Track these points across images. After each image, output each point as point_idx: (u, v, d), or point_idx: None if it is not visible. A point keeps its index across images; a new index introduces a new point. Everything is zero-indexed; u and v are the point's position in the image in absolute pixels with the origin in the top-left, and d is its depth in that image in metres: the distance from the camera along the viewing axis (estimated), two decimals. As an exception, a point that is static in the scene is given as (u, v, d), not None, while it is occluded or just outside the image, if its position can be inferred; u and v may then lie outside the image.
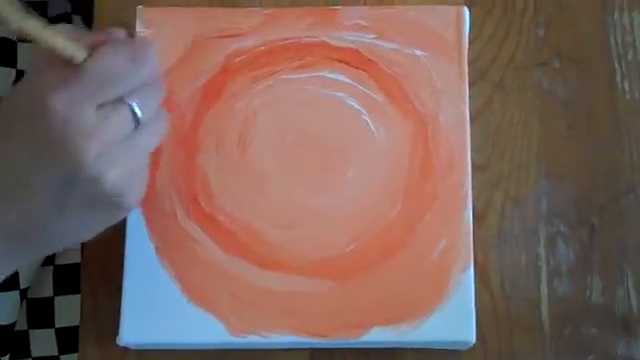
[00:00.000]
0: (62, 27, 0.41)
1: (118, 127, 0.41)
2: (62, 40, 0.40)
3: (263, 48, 0.57)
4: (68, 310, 0.60)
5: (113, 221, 0.45)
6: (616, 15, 0.60)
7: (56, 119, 0.39)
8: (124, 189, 0.43)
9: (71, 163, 0.40)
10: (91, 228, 0.45)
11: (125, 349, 0.53)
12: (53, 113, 0.39)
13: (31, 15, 0.40)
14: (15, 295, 0.59)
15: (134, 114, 0.42)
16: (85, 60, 0.40)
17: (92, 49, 0.41)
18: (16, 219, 0.42)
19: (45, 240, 0.45)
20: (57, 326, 0.60)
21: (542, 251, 0.57)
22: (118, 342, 0.52)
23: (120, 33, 0.43)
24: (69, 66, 0.41)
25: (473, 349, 0.53)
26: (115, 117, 0.41)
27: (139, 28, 0.56)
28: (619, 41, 0.60)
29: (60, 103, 0.39)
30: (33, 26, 0.39)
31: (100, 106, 0.41)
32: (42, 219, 0.43)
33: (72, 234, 0.45)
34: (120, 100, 0.41)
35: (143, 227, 0.54)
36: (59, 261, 0.61)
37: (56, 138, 0.40)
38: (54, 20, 0.69)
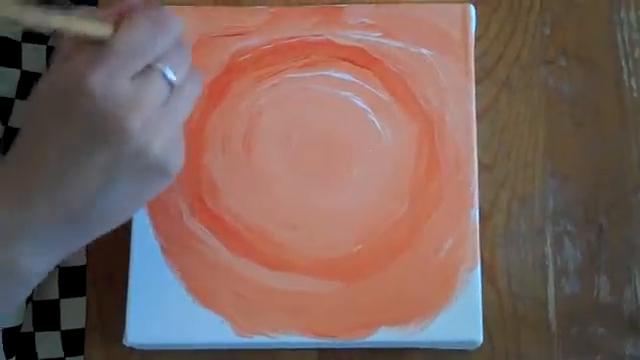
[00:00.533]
0: (80, 10, 0.42)
1: (155, 94, 0.42)
2: (87, 24, 0.41)
3: (268, 47, 0.56)
4: (74, 312, 0.60)
5: (159, 189, 0.46)
6: (622, 13, 0.60)
7: (96, 97, 0.40)
8: (169, 155, 0.44)
9: (118, 138, 0.41)
10: (139, 201, 0.46)
11: (131, 350, 0.53)
12: (92, 92, 0.40)
13: (46, 9, 0.40)
14: (19, 304, 0.59)
15: (167, 79, 0.43)
16: (111, 36, 0.41)
17: (116, 23, 0.42)
18: (67, 199, 0.43)
19: (96, 219, 0.45)
20: (63, 328, 0.60)
21: (549, 250, 0.56)
22: (124, 343, 0.52)
23: (139, 2, 0.44)
24: (96, 46, 0.41)
25: (480, 349, 0.53)
26: (150, 84, 0.42)
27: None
28: (626, 39, 0.59)
29: (97, 81, 0.40)
30: (57, 20, 0.40)
31: (134, 77, 0.42)
32: (92, 197, 0.43)
33: (122, 209, 0.46)
34: (151, 68, 0.42)
35: (149, 227, 0.53)
36: (64, 263, 0.61)
37: (100, 116, 0.41)
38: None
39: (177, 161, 0.45)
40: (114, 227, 0.46)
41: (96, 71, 0.41)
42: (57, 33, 0.42)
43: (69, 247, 0.46)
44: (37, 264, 0.45)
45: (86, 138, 0.42)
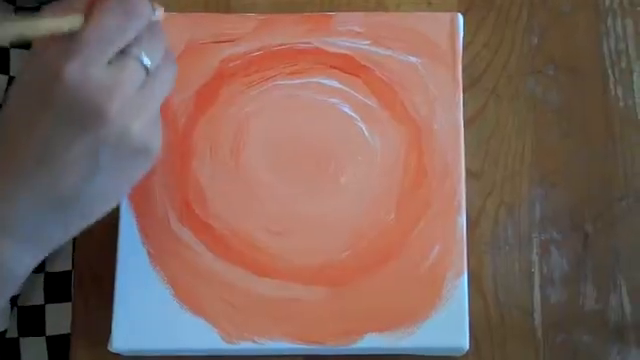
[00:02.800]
0: (48, 7, 0.43)
1: (131, 78, 0.43)
2: (55, 21, 0.42)
3: (257, 54, 0.57)
4: (59, 318, 0.60)
5: (141, 172, 0.46)
6: (609, 23, 0.60)
7: (73, 86, 0.41)
8: (149, 137, 0.44)
9: (97, 123, 0.42)
10: (125, 183, 0.46)
11: (116, 356, 0.53)
12: (68, 81, 0.41)
13: (9, 15, 0.41)
14: (5, 303, 0.58)
15: (142, 63, 0.44)
16: (82, 25, 0.42)
17: (87, 13, 0.43)
18: (50, 188, 0.44)
19: (81, 208, 0.45)
20: (48, 334, 0.60)
21: (535, 258, 0.57)
22: (109, 348, 0.52)
23: None
24: (71, 35, 0.42)
25: (466, 355, 0.53)
26: (126, 69, 0.43)
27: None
28: (612, 49, 0.60)
29: (73, 70, 0.41)
30: (23, 26, 0.41)
31: (109, 63, 0.42)
32: (76, 185, 0.44)
33: (106, 196, 0.46)
34: (125, 53, 0.43)
35: (136, 232, 0.53)
36: (50, 269, 0.61)
37: (78, 103, 0.42)
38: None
39: (157, 143, 0.46)
40: (99, 216, 0.46)
41: (70, 60, 0.41)
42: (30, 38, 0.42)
43: (54, 239, 0.46)
44: (22, 258, 0.45)
45: (66, 127, 0.42)
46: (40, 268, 0.61)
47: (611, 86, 0.59)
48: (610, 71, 0.60)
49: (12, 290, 0.49)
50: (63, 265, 0.60)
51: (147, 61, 0.44)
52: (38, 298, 0.60)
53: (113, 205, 0.47)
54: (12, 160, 0.44)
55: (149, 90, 0.44)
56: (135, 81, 0.43)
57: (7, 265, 0.45)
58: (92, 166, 0.43)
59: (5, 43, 0.41)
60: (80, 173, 0.43)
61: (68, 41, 0.42)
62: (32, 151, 0.43)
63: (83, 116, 0.42)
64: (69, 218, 0.46)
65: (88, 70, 0.41)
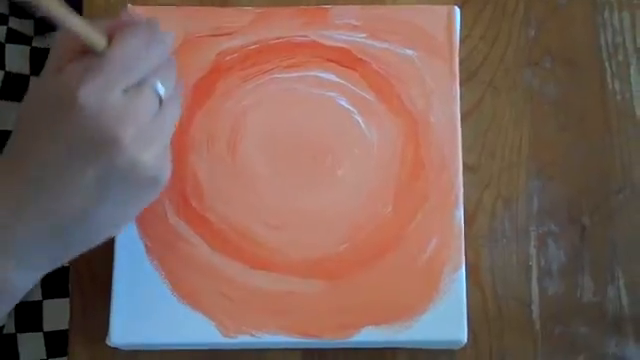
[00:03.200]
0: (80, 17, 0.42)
1: (146, 107, 0.42)
2: (86, 27, 0.41)
3: (254, 47, 0.56)
4: (57, 314, 0.60)
5: (151, 199, 0.46)
6: (606, 15, 0.60)
7: (89, 111, 0.40)
8: (159, 167, 0.44)
9: (110, 150, 0.41)
10: (132, 211, 0.46)
11: (115, 350, 0.53)
12: (85, 106, 0.40)
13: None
14: (3, 314, 0.58)
15: (157, 92, 0.43)
16: (105, 48, 0.42)
17: (109, 36, 0.42)
18: (57, 214, 0.43)
19: (85, 233, 0.45)
20: (45, 330, 0.60)
21: (533, 251, 0.57)
22: (108, 343, 0.52)
23: (133, 17, 0.44)
24: (88, 56, 0.42)
25: (464, 348, 0.53)
26: (141, 98, 0.42)
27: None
28: (609, 41, 0.60)
29: (90, 95, 0.40)
30: (60, 10, 0.40)
31: (125, 90, 0.42)
32: (84, 211, 0.43)
33: (112, 223, 0.46)
34: (142, 81, 0.43)
35: (133, 226, 0.53)
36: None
37: (92, 129, 0.41)
38: (43, 20, 0.68)
39: (166, 173, 0.45)
40: (102, 242, 0.46)
41: (89, 83, 0.40)
42: (58, 28, 0.41)
43: (55, 262, 0.46)
44: (21, 279, 0.45)
45: (78, 151, 0.42)
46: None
47: (608, 79, 0.59)
48: (607, 64, 0.60)
49: (11, 306, 0.48)
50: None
51: (162, 90, 0.43)
52: (36, 294, 0.60)
53: (117, 232, 0.46)
54: (21, 182, 0.43)
55: (161, 120, 0.44)
56: (150, 110, 0.43)
57: (7, 284, 0.44)
58: (101, 194, 0.43)
59: (38, 4, 0.40)
60: (88, 200, 0.43)
61: (88, 62, 0.41)
62: (42, 174, 0.42)
63: (97, 142, 0.41)
64: (71, 243, 0.45)
65: (106, 95, 0.41)
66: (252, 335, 0.52)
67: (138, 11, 0.56)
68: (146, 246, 0.53)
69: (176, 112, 0.45)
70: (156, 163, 0.43)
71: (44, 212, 0.43)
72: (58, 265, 0.46)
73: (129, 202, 0.45)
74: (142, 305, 0.52)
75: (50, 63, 0.44)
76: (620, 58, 0.60)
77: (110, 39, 0.42)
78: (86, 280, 0.56)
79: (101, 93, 0.41)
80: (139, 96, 0.42)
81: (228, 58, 0.56)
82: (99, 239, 0.46)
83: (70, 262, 0.57)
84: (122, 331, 0.52)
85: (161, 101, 0.44)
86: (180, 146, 0.55)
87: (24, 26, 0.67)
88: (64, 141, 0.42)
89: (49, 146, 0.42)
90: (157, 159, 0.44)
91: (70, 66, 0.42)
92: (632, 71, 0.59)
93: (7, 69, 0.63)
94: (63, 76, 0.42)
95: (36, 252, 0.44)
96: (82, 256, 0.55)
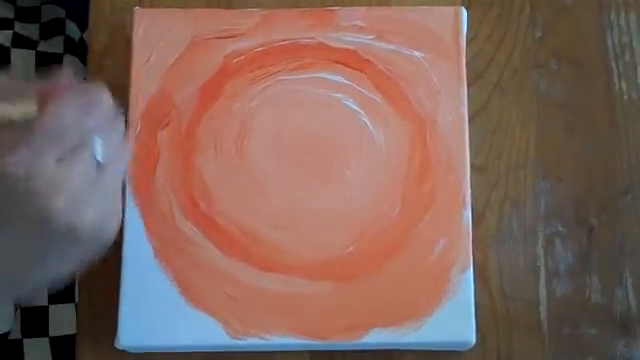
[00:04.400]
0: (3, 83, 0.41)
1: (80, 174, 0.41)
2: (10, 107, 0.40)
3: (261, 49, 0.57)
4: (62, 319, 0.60)
5: (95, 254, 0.45)
6: (613, 16, 0.60)
7: (17, 179, 0.39)
8: (100, 227, 0.42)
9: (42, 217, 0.40)
10: (73, 264, 0.45)
11: (123, 353, 0.53)
12: (14, 174, 0.39)
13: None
14: (9, 304, 0.58)
15: (96, 158, 0.42)
16: (36, 114, 0.40)
17: (41, 100, 0.41)
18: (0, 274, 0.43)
19: (34, 282, 0.45)
20: (51, 335, 0.60)
21: (541, 251, 0.57)
22: (116, 346, 0.52)
23: (67, 79, 0.42)
24: (20, 125, 0.40)
25: (472, 350, 0.53)
26: (75, 165, 0.41)
27: (136, 30, 0.56)
28: (616, 42, 0.60)
29: (19, 163, 0.39)
30: None
31: (59, 158, 0.40)
32: (27, 269, 0.43)
33: (59, 273, 0.45)
34: (79, 146, 0.41)
35: (141, 229, 0.53)
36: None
37: (22, 197, 0.40)
38: (48, 24, 0.69)
39: (111, 228, 0.44)
40: (54, 285, 0.46)
41: (19, 152, 0.39)
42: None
43: (9, 302, 0.46)
44: None
45: (11, 218, 0.41)
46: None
47: (615, 79, 0.59)
48: (614, 64, 0.60)
49: None
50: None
51: (101, 155, 0.42)
52: (41, 299, 0.60)
53: (63, 277, 0.45)
54: None
55: (101, 182, 0.42)
56: (85, 176, 0.41)
57: None
58: (40, 253, 0.42)
59: None
60: (29, 261, 0.42)
61: (18, 131, 0.40)
62: None
63: (29, 210, 0.40)
64: (23, 289, 0.46)
65: (34, 164, 0.39)
66: (260, 337, 0.52)
67: (144, 14, 0.56)
68: (154, 248, 0.53)
69: (116, 177, 0.44)
70: (96, 223, 0.42)
71: None
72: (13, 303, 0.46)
73: (72, 257, 0.44)
74: (150, 308, 0.52)
75: None
76: (627, 58, 0.60)
77: (42, 104, 0.40)
78: (94, 283, 0.56)
79: (30, 161, 0.39)
80: (72, 162, 0.40)
81: (235, 60, 0.56)
82: (48, 285, 0.46)
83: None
84: (130, 334, 0.52)
85: (100, 164, 0.42)
86: (187, 148, 0.55)
87: (29, 30, 0.67)
88: None
89: None
90: (98, 219, 0.42)
91: (2, 132, 0.40)
92: (639, 71, 0.59)
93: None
94: None
95: None
96: (90, 260, 0.56)
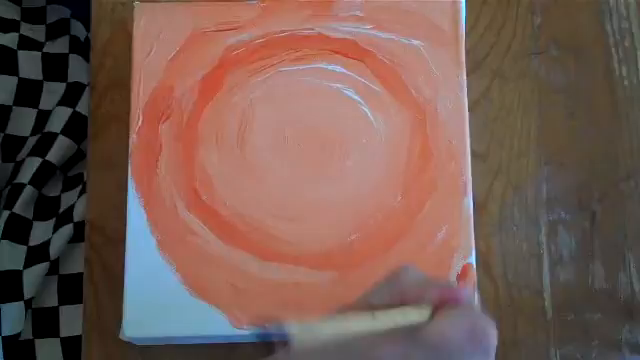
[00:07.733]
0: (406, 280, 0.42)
1: None
2: (411, 311, 0.40)
3: (261, 41, 0.57)
4: (73, 319, 0.60)
5: None
6: (612, 1, 0.60)
7: None
8: None
9: None
10: None
11: (128, 345, 0.53)
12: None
13: (341, 314, 0.40)
14: (20, 305, 0.59)
15: None
16: (425, 323, 0.40)
17: (436, 306, 0.40)
18: None
19: None
20: (62, 335, 0.60)
21: (543, 238, 0.57)
22: (121, 336, 0.52)
23: (463, 291, 0.42)
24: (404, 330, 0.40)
25: (476, 337, 0.53)
26: None
27: (136, 25, 0.56)
28: (615, 28, 0.60)
29: (390, 356, 0.39)
30: (361, 324, 0.40)
31: None
32: None
33: None
34: None
35: (144, 221, 0.54)
36: (63, 271, 0.61)
37: None
38: (54, 25, 0.69)
39: None
40: None
41: (395, 348, 0.39)
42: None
43: None
44: None
45: None
46: (54, 270, 0.61)
47: (615, 65, 0.59)
48: (614, 50, 0.59)
49: None
50: (76, 267, 0.61)
51: None
52: (52, 300, 0.60)
53: None
54: None
55: None
56: None
57: None
58: None
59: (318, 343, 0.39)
60: None
61: (403, 335, 0.39)
62: None
63: None
64: None
65: None
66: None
67: (145, 8, 0.57)
68: (157, 240, 0.53)
69: None
70: None
71: None
72: None
73: None
74: (154, 298, 0.52)
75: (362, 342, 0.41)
76: (627, 44, 0.60)
77: (434, 310, 0.40)
78: (100, 279, 0.56)
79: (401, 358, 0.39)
80: None
81: (235, 53, 0.56)
82: None
83: (84, 261, 0.57)
84: (135, 325, 0.52)
85: None
86: (189, 140, 0.55)
87: (36, 32, 0.67)
88: None
89: None
90: None
91: (388, 347, 0.40)
92: (639, 57, 0.59)
93: (20, 75, 0.63)
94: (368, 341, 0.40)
95: None
96: (94, 253, 0.56)
